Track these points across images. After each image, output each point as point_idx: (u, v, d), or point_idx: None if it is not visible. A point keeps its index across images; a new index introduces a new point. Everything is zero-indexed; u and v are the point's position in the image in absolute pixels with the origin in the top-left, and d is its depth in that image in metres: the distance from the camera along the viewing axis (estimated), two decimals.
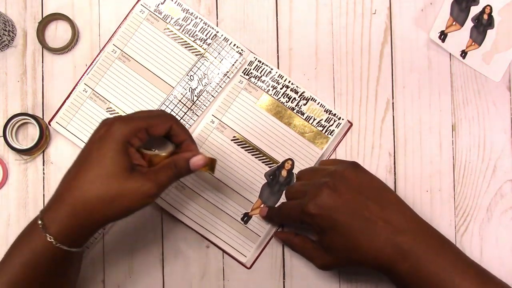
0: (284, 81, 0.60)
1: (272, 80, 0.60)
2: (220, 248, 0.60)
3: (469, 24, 0.61)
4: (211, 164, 0.50)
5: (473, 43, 0.61)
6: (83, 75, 0.61)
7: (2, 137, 0.59)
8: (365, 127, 0.61)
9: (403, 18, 0.62)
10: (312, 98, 0.60)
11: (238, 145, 0.60)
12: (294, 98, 0.60)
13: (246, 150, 0.60)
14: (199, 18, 0.61)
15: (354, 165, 0.53)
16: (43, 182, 0.60)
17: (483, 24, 0.61)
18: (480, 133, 0.61)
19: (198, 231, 0.60)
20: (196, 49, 0.61)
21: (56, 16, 0.60)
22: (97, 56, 0.61)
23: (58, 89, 0.61)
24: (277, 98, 0.60)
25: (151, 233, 0.60)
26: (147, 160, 0.48)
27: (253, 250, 0.60)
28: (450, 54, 0.61)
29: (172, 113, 0.60)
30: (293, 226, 0.60)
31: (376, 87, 0.61)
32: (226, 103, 0.60)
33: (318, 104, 0.60)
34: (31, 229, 0.46)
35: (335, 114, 0.60)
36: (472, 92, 0.61)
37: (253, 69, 0.61)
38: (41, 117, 0.60)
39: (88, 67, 0.61)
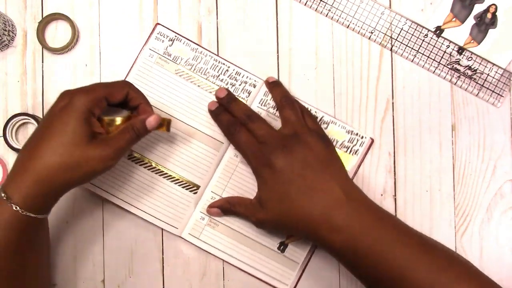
0: None
1: None
2: (261, 280, 0.59)
3: (470, 21, 0.61)
4: (167, 124, 0.54)
5: (472, 41, 0.61)
6: None
7: (2, 137, 0.59)
8: (365, 126, 0.61)
9: (403, 18, 0.61)
10: (332, 121, 0.60)
11: None
12: None
13: None
14: (209, 56, 0.60)
15: (324, 142, 0.55)
16: None
17: (486, 22, 0.61)
18: (480, 133, 0.61)
19: (237, 265, 0.59)
20: (210, 86, 0.60)
21: (56, 16, 0.60)
22: None
23: (58, 89, 0.60)
24: None
25: (151, 233, 0.60)
26: (105, 126, 0.51)
27: (294, 277, 0.59)
28: None
29: None
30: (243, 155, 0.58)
31: (376, 87, 0.61)
32: None
33: (338, 126, 0.60)
34: None
35: (357, 133, 0.60)
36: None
37: (270, 99, 0.60)
38: (41, 117, 0.60)
39: None
